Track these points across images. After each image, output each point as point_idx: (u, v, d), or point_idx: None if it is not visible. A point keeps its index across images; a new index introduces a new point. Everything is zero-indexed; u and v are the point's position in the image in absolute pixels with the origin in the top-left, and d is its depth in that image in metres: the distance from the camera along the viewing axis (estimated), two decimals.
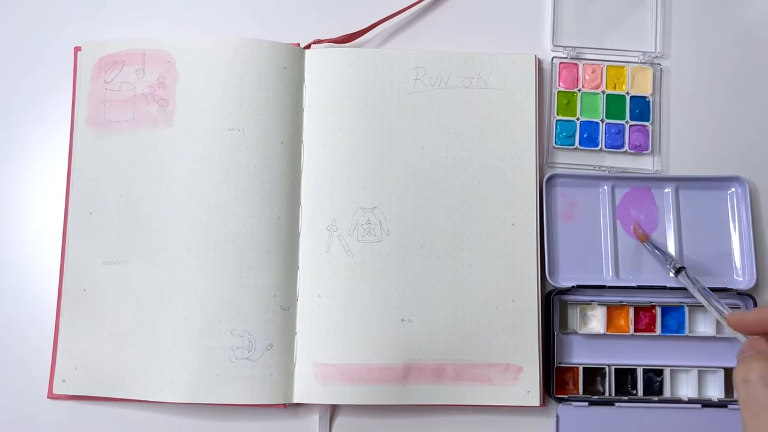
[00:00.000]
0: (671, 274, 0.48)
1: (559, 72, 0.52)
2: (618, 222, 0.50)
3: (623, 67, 0.52)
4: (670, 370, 0.49)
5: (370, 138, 0.49)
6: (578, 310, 0.49)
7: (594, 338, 0.49)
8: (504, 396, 0.47)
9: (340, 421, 0.48)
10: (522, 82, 0.51)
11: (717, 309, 0.43)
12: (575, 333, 0.49)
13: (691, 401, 0.48)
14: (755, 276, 0.49)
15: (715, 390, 0.49)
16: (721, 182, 0.50)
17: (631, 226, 0.50)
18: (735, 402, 0.48)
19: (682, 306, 0.49)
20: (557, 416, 0.48)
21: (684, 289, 0.49)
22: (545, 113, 0.52)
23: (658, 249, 0.49)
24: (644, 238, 0.49)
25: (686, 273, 0.47)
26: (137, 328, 0.47)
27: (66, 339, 0.47)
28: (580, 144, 0.51)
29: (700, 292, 0.45)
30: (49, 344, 0.48)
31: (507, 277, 0.48)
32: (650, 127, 0.52)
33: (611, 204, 0.50)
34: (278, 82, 0.49)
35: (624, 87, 0.52)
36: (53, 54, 0.52)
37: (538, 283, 0.49)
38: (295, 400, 0.47)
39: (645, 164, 0.52)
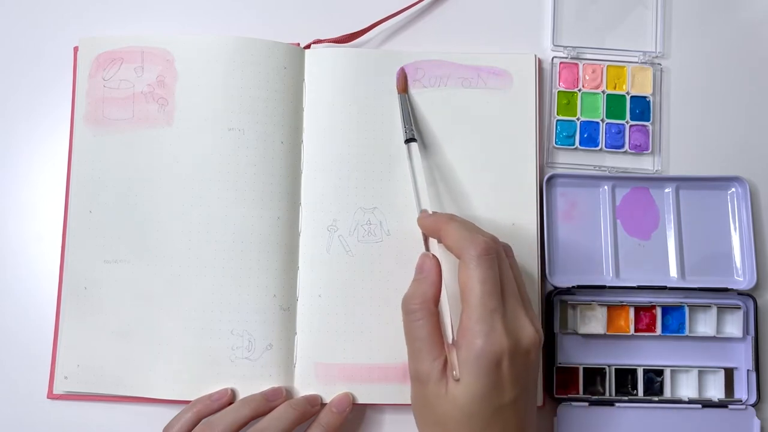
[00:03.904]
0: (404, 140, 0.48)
1: (559, 72, 0.52)
2: (618, 222, 0.50)
3: (623, 67, 0.52)
4: (671, 370, 0.49)
5: (370, 138, 0.49)
6: (578, 310, 0.49)
7: (594, 338, 0.49)
8: None
9: None
10: (522, 82, 0.51)
11: (417, 201, 0.47)
12: (575, 333, 0.49)
13: (691, 401, 0.48)
14: (755, 276, 0.49)
15: (715, 390, 0.49)
16: (721, 182, 0.51)
17: (398, 72, 0.50)
18: (735, 402, 0.48)
19: (683, 306, 0.49)
20: (557, 416, 0.48)
21: (684, 289, 0.49)
22: (545, 113, 0.52)
23: (406, 110, 0.49)
24: (403, 90, 0.49)
25: (410, 149, 0.47)
26: (138, 327, 0.47)
27: (67, 336, 0.47)
28: (580, 144, 0.51)
29: (412, 173, 0.47)
30: (49, 344, 0.48)
31: None
32: (650, 127, 0.52)
33: (611, 204, 0.50)
34: (278, 82, 0.49)
35: (624, 87, 0.52)
36: (53, 53, 0.52)
37: (539, 283, 0.49)
38: None
39: (645, 164, 0.52)
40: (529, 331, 0.39)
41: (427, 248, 0.44)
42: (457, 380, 0.38)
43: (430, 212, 0.45)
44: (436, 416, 0.39)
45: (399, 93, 0.50)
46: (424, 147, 0.49)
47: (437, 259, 0.43)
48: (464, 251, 0.39)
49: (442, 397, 0.39)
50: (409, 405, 0.47)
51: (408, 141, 0.48)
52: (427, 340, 0.40)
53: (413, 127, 0.48)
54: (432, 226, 0.43)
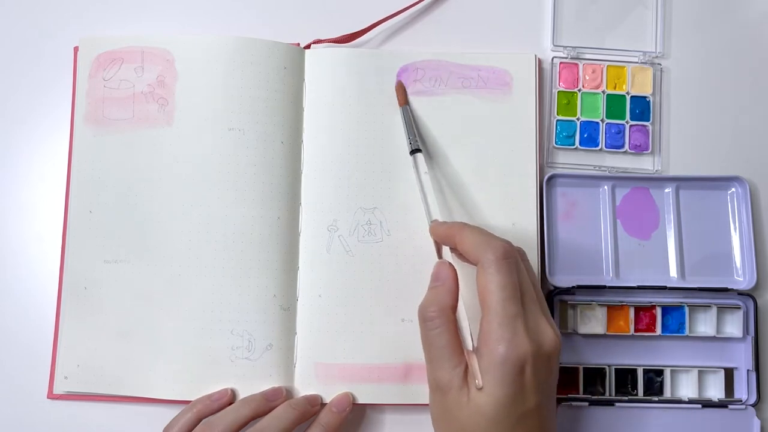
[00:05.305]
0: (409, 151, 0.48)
1: (559, 72, 0.52)
2: (618, 222, 0.50)
3: (623, 67, 0.52)
4: (670, 370, 0.49)
5: (370, 138, 0.49)
6: (578, 310, 0.49)
7: (594, 338, 0.49)
8: None
9: None
10: (522, 82, 0.51)
11: (427, 210, 0.45)
12: (575, 333, 0.49)
13: (691, 401, 0.48)
14: (755, 276, 0.49)
15: (715, 390, 0.49)
16: (721, 182, 0.51)
17: (396, 86, 0.50)
18: (735, 402, 0.48)
19: (683, 306, 0.49)
20: (557, 416, 0.48)
21: (684, 289, 0.49)
22: (545, 113, 0.52)
23: (409, 121, 0.48)
24: (404, 102, 0.49)
25: (416, 159, 0.47)
26: (138, 327, 0.47)
27: (67, 336, 0.47)
28: (580, 144, 0.51)
29: (420, 183, 0.46)
30: (49, 344, 0.48)
31: None
32: (650, 127, 0.52)
33: (611, 204, 0.50)
34: (278, 82, 0.49)
35: (624, 87, 0.52)
36: (53, 53, 0.52)
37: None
38: None
39: (645, 164, 0.52)
40: (550, 335, 0.38)
41: (440, 257, 0.44)
42: (480, 388, 0.37)
43: (440, 221, 0.44)
44: (458, 425, 0.38)
45: (400, 106, 0.49)
46: (429, 156, 0.49)
47: (453, 266, 0.42)
48: (482, 256, 0.38)
49: (464, 406, 0.38)
50: (409, 405, 0.47)
51: (413, 152, 0.47)
52: (447, 348, 0.39)
53: (417, 138, 0.48)
54: (446, 234, 0.42)
